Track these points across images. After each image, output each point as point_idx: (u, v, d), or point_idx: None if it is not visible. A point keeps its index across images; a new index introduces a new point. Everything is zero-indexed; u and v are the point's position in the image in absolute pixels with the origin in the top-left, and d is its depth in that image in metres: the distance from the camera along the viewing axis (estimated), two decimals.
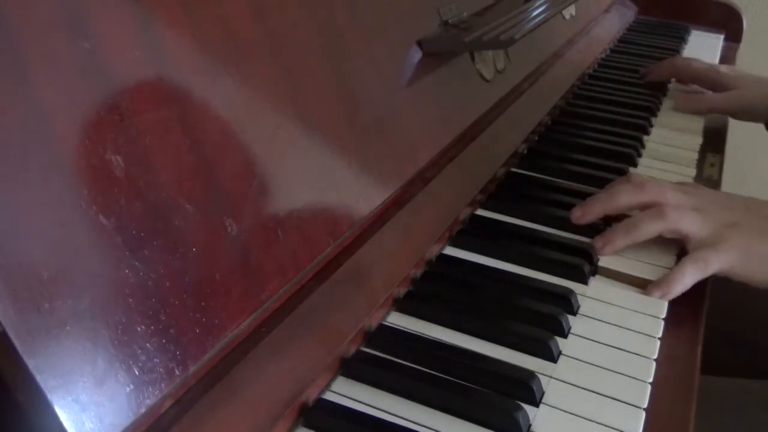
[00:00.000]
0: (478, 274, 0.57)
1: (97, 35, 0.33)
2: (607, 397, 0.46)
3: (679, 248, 0.63)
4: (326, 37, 0.50)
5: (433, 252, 0.58)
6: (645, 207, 0.62)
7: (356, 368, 0.46)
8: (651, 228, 0.60)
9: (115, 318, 0.31)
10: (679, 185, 0.66)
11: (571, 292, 0.55)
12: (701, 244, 0.59)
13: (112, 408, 0.30)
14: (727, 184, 0.87)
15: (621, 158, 0.80)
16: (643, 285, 0.58)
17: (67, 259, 0.30)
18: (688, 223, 0.60)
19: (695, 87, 1.05)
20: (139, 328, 0.32)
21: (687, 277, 0.58)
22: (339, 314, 0.46)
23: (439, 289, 0.54)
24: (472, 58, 0.71)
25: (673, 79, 1.08)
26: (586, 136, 0.85)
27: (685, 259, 0.59)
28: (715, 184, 0.83)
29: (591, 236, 0.63)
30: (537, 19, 0.69)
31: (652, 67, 1.09)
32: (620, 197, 0.63)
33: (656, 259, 0.61)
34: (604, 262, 0.60)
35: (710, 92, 1.01)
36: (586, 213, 0.64)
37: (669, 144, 0.88)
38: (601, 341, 0.51)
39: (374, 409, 0.43)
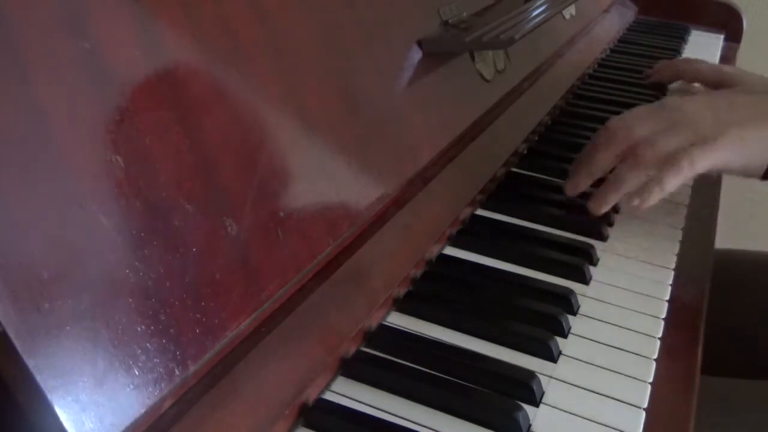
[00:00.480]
0: (478, 274, 0.57)
1: (97, 35, 0.33)
2: (607, 397, 0.46)
3: (679, 247, 0.63)
4: (326, 37, 0.50)
5: (433, 252, 0.58)
6: (626, 154, 0.61)
7: (356, 368, 0.46)
8: (634, 178, 0.59)
9: (115, 318, 0.31)
10: (649, 107, 0.63)
11: (571, 292, 0.55)
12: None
13: (112, 408, 0.30)
14: (727, 183, 0.87)
15: None
16: (643, 285, 0.58)
17: (67, 259, 0.30)
18: (666, 148, 0.58)
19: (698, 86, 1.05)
20: (139, 328, 0.32)
21: (667, 184, 0.56)
22: (339, 314, 0.46)
23: (439, 289, 0.54)
24: (472, 58, 0.71)
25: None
26: (586, 136, 0.85)
27: (665, 166, 0.57)
28: (714, 183, 0.83)
29: (591, 235, 0.63)
30: (537, 19, 0.69)
31: (656, 67, 1.08)
32: (597, 158, 0.62)
33: (656, 257, 0.62)
34: (605, 261, 0.60)
35: None
36: (575, 185, 0.64)
37: None
38: (601, 341, 0.51)
39: (374, 409, 0.43)
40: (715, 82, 0.99)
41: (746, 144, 0.57)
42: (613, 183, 0.60)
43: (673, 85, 1.07)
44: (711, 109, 0.60)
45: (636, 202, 0.56)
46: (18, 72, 0.29)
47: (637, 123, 0.61)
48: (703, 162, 0.56)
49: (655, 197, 0.56)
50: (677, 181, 0.56)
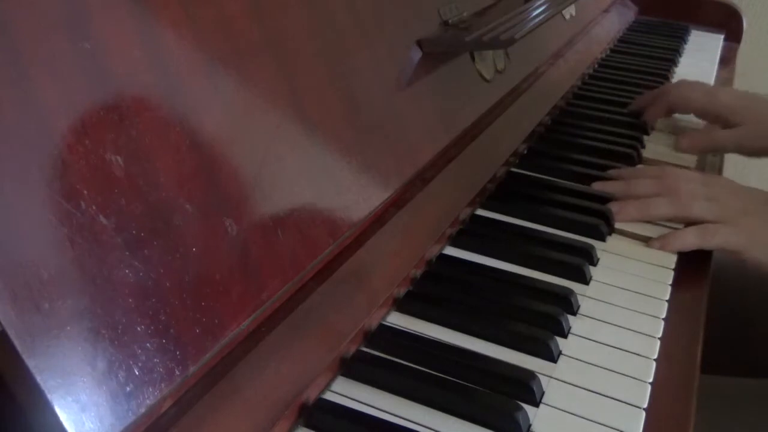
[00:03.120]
0: (478, 274, 0.57)
1: (97, 35, 0.33)
2: (607, 397, 0.46)
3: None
4: (326, 37, 0.50)
5: (433, 252, 0.58)
6: (666, 192, 0.67)
7: (356, 368, 0.46)
8: (664, 210, 0.65)
9: (115, 318, 0.31)
10: (700, 176, 0.69)
11: (571, 292, 0.55)
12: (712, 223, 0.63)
13: (112, 408, 0.30)
14: None
15: (621, 158, 0.80)
16: (643, 285, 0.58)
17: (67, 259, 0.30)
18: (699, 209, 0.64)
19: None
20: (139, 328, 0.32)
21: (688, 239, 0.62)
22: (339, 314, 0.46)
23: (439, 289, 0.54)
24: (472, 58, 0.71)
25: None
26: (586, 136, 0.85)
27: (692, 227, 0.63)
28: None
29: (591, 235, 0.63)
30: (537, 19, 0.69)
31: (638, 101, 0.95)
32: (638, 188, 0.68)
33: (655, 258, 0.62)
34: (605, 261, 0.60)
35: (716, 130, 0.87)
36: (604, 188, 0.70)
37: (669, 144, 0.88)
38: (601, 341, 0.51)
39: (374, 409, 0.43)
40: (714, 118, 0.87)
41: (761, 239, 0.63)
42: (643, 205, 0.66)
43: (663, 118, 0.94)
44: (745, 201, 0.66)
45: (657, 245, 0.63)
46: (18, 72, 0.29)
47: (685, 181, 0.68)
48: (721, 239, 0.63)
49: (676, 245, 0.62)
50: (696, 243, 0.63)
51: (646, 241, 0.64)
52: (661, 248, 0.62)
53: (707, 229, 0.62)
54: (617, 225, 0.66)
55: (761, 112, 0.84)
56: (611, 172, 0.74)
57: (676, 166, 0.82)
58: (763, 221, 0.63)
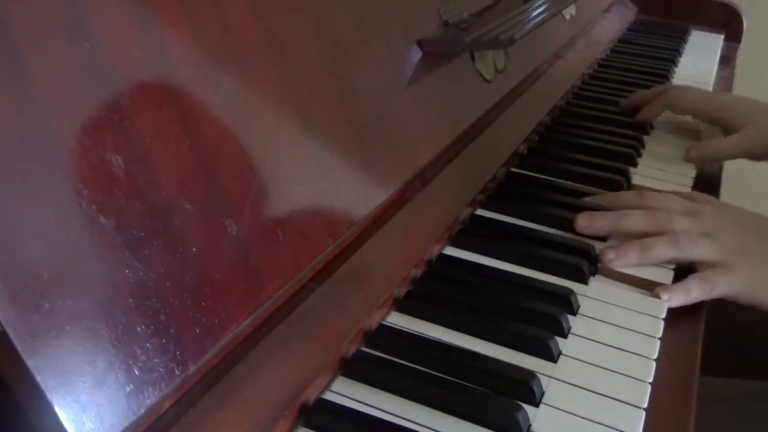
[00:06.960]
0: (478, 274, 0.57)
1: (97, 35, 0.33)
2: (607, 397, 0.46)
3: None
4: (326, 37, 0.50)
5: (433, 252, 0.58)
6: (653, 233, 0.62)
7: (356, 368, 0.46)
8: (665, 253, 0.61)
9: (115, 318, 0.31)
10: (688, 205, 0.65)
11: (571, 292, 0.55)
12: (711, 267, 0.60)
13: (112, 408, 0.30)
14: (728, 181, 0.87)
15: (621, 158, 0.80)
16: (643, 285, 0.58)
17: (67, 259, 0.30)
18: (700, 252, 0.60)
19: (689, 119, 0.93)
20: (139, 328, 0.32)
21: (692, 294, 0.58)
22: (339, 314, 0.46)
23: (439, 289, 0.54)
24: (472, 58, 0.71)
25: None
26: (586, 136, 0.85)
27: (693, 276, 0.59)
28: (715, 182, 0.83)
29: (593, 237, 0.63)
30: (537, 19, 0.69)
31: (634, 99, 0.95)
32: (629, 221, 0.63)
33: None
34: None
35: (722, 137, 0.86)
36: (592, 226, 0.64)
37: (669, 144, 0.88)
38: (601, 341, 0.51)
39: (374, 409, 0.43)
40: (714, 121, 0.87)
41: (759, 282, 0.60)
42: (643, 250, 0.61)
43: (662, 118, 0.94)
44: (741, 234, 0.62)
45: (666, 297, 0.57)
46: (18, 72, 0.29)
47: (675, 216, 0.63)
48: (721, 290, 0.59)
49: (679, 300, 0.58)
50: (701, 297, 0.59)
51: (634, 283, 0.59)
52: (669, 301, 0.57)
53: (706, 281, 0.59)
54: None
55: (760, 114, 0.82)
56: (588, 201, 0.68)
57: (677, 166, 0.82)
58: (760, 262, 0.61)
